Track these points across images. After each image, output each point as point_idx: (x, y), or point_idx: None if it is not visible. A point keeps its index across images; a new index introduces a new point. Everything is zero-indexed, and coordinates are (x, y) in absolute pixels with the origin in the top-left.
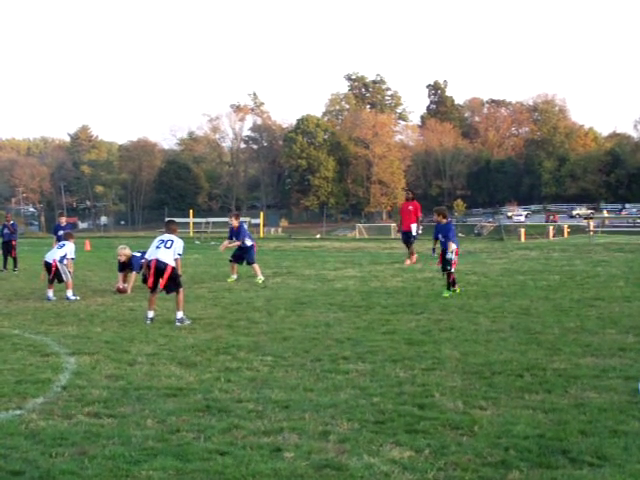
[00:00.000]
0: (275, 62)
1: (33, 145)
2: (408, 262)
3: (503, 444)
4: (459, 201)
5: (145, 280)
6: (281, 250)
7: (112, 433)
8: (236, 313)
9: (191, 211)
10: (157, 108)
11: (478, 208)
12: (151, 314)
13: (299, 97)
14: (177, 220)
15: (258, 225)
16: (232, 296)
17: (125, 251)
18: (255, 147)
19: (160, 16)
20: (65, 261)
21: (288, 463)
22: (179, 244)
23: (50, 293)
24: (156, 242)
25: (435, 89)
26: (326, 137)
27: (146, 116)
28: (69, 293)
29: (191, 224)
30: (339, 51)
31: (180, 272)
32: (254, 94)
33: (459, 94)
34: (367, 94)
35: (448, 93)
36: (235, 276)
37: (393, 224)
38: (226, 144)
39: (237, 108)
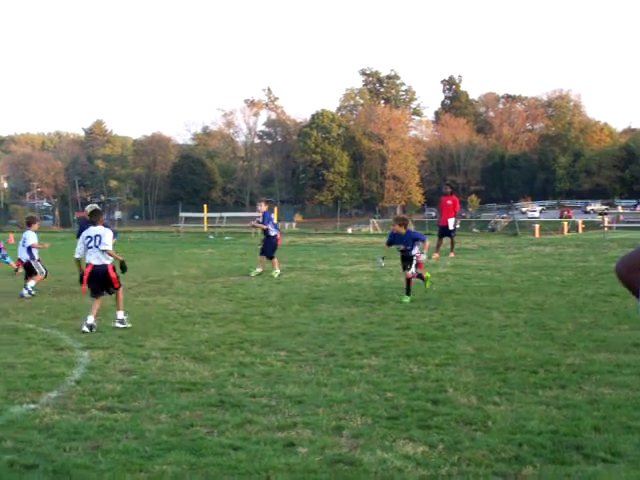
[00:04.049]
0: (289, 57)
1: (48, 140)
2: (435, 255)
3: (517, 440)
4: (473, 196)
5: (82, 280)
6: (295, 245)
7: (126, 427)
8: (250, 308)
9: (205, 206)
10: (171, 103)
11: (492, 203)
12: (92, 319)
13: (313, 92)
14: (191, 215)
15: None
16: (246, 291)
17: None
18: (269, 142)
19: (175, 11)
20: (36, 253)
21: (301, 458)
22: (107, 236)
23: (31, 283)
24: (84, 240)
25: (450, 84)
26: (340, 132)
27: (160, 111)
28: (31, 284)
29: (205, 219)
30: (353, 46)
31: (120, 257)
32: (268, 89)
33: (474, 89)
34: (381, 89)
35: (463, 88)
36: (260, 270)
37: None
38: (240, 139)
39: (251, 103)
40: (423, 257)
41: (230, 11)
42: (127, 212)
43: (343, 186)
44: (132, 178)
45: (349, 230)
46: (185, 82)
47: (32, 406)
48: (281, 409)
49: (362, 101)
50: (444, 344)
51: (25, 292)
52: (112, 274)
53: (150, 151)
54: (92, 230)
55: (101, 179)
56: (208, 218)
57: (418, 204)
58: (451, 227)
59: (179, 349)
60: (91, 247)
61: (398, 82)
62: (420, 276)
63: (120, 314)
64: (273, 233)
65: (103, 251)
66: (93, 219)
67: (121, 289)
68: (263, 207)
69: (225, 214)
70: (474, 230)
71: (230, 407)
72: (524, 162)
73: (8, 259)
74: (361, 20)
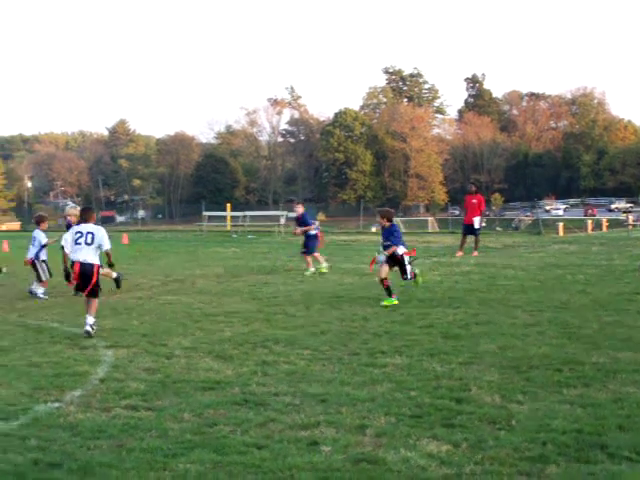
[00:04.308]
0: (312, 56)
1: (72, 139)
2: (459, 254)
3: (541, 439)
4: (497, 195)
5: (68, 277)
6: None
7: (150, 426)
8: (273, 307)
9: (228, 205)
10: (195, 102)
11: (516, 202)
12: (92, 320)
13: (336, 91)
14: (215, 214)
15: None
16: (269, 290)
17: (75, 210)
18: (292, 141)
19: (197, 9)
20: (43, 254)
21: (325, 457)
22: (101, 235)
23: (40, 290)
24: (73, 235)
25: (473, 82)
26: (363, 131)
27: (184, 110)
28: (40, 290)
29: (228, 218)
30: (376, 44)
31: (111, 260)
32: (291, 88)
33: (497, 87)
34: (404, 87)
35: (486, 86)
36: (313, 269)
37: (430, 218)
38: (263, 138)
39: (274, 102)
40: (380, 257)
41: (253, 10)
42: (150, 211)
43: (366, 185)
44: (155, 177)
45: (373, 229)
46: (208, 81)
47: (56, 404)
48: (304, 408)
49: (385, 99)
50: (468, 343)
51: (40, 295)
52: (95, 277)
53: (173, 150)
54: (83, 226)
55: (124, 178)
56: (231, 217)
57: (441, 202)
58: (477, 226)
59: (203, 348)
60: (80, 243)
61: (421, 80)
62: (387, 289)
63: (90, 319)
64: (314, 232)
65: (97, 248)
66: (84, 216)
67: (96, 300)
68: (300, 209)
69: (248, 213)
70: (497, 229)
71: (253, 406)
72: (548, 160)
73: None
74: (384, 18)
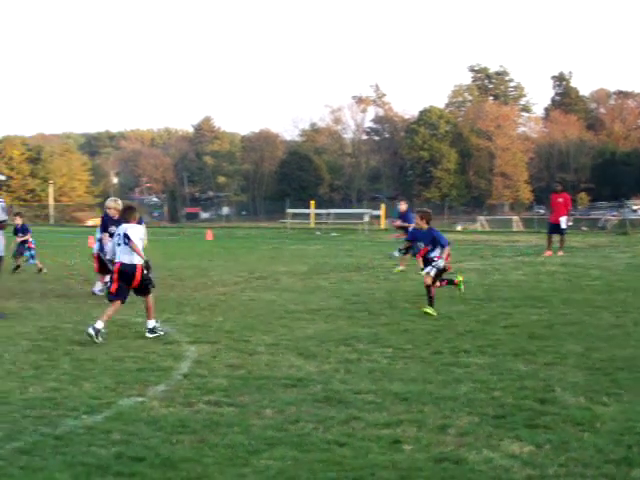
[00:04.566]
0: (397, 53)
1: (157, 136)
2: (548, 253)
3: (626, 441)
4: (583, 194)
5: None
6: (402, 241)
7: (232, 422)
8: (356, 304)
9: (312, 202)
10: (279, 99)
11: (602, 201)
12: (100, 325)
13: (421, 88)
14: (298, 211)
15: (379, 217)
16: (352, 287)
17: (115, 204)
18: (377, 139)
19: (284, 8)
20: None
21: (407, 455)
22: (136, 232)
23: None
24: (115, 238)
25: (560, 80)
26: (448, 129)
27: (269, 108)
28: (97, 286)
29: (312, 215)
30: (462, 42)
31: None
32: (376, 85)
33: (584, 85)
34: (490, 85)
35: (573, 84)
36: (402, 267)
37: (515, 217)
38: (348, 135)
39: (359, 99)
40: (440, 263)
41: (340, 7)
42: (235, 208)
43: (451, 183)
44: (240, 174)
45: (458, 227)
46: (293, 79)
47: (140, 399)
48: (387, 406)
49: (470, 97)
50: (552, 343)
51: (96, 290)
52: (139, 275)
53: (258, 147)
54: (122, 228)
55: (209, 175)
56: (315, 214)
57: (526, 201)
58: (563, 226)
59: (285, 345)
60: (120, 244)
61: (507, 78)
62: (451, 282)
63: (150, 322)
64: None
65: (127, 243)
66: (125, 216)
67: (151, 296)
68: (403, 207)
69: (332, 210)
70: (583, 228)
71: (336, 403)
72: (636, 159)
73: (33, 260)
74: (470, 16)
